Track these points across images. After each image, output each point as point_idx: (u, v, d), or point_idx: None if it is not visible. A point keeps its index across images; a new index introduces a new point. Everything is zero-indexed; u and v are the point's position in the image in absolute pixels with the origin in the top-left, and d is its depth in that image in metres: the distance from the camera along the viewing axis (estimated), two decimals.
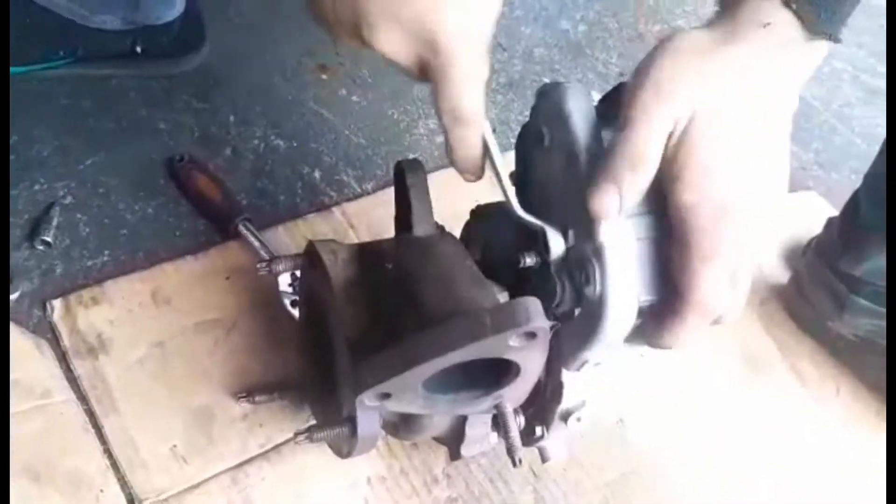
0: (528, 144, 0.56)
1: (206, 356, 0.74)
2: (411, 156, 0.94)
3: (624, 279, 0.48)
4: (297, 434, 0.58)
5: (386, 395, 0.51)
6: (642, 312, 0.49)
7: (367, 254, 0.60)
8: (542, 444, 0.61)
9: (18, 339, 0.70)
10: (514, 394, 0.53)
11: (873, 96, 1.16)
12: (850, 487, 0.78)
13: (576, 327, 0.52)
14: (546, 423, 0.58)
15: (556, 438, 0.60)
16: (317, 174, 0.89)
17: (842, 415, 0.83)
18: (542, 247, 0.52)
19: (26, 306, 0.73)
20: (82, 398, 0.69)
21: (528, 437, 0.59)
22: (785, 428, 0.81)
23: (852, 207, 0.80)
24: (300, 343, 0.71)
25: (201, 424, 0.70)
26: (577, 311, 0.51)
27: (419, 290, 0.52)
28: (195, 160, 0.84)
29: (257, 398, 0.70)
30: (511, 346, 0.46)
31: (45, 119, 0.84)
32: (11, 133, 0.82)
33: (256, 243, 0.79)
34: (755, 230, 0.47)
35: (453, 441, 0.62)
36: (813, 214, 0.94)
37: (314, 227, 0.84)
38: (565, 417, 0.57)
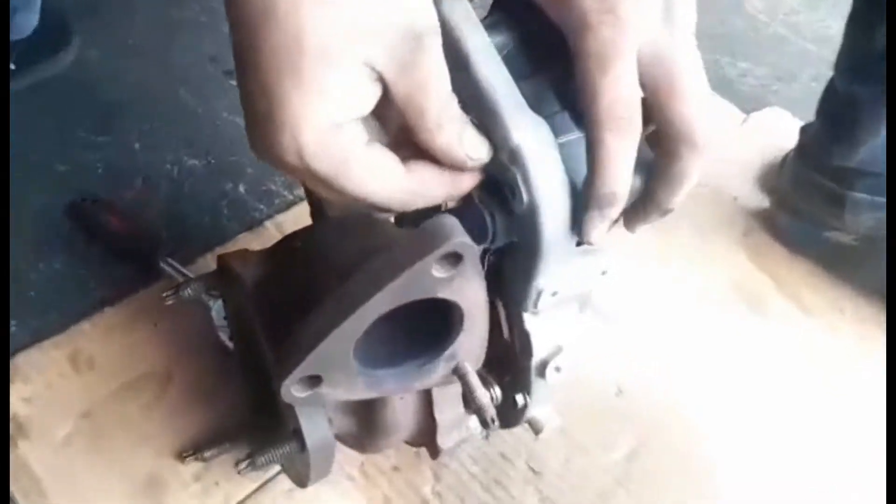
0: None
1: (142, 418, 0.75)
2: None
3: (550, 178, 0.48)
4: (237, 464, 0.59)
5: (315, 379, 0.51)
6: None
7: (279, 248, 0.61)
8: (528, 415, 0.60)
9: None
10: (468, 348, 0.53)
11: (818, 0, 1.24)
12: (875, 413, 0.78)
13: (518, 256, 0.52)
14: (526, 387, 0.58)
15: (541, 401, 0.59)
16: (241, 188, 0.91)
17: (853, 335, 0.89)
18: None
19: None
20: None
21: (512, 411, 0.59)
22: (798, 366, 0.85)
23: (830, 98, 0.87)
24: (244, 376, 0.72)
25: (151, 497, 0.70)
26: (514, 239, 0.52)
27: (330, 257, 0.53)
28: (100, 199, 0.86)
29: (206, 454, 0.71)
30: (437, 277, 0.46)
31: None
32: None
33: (181, 279, 0.81)
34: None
35: (428, 437, 0.62)
36: (781, 130, 1.03)
37: (247, 246, 0.84)
38: (542, 371, 0.57)
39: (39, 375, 0.77)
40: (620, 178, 0.47)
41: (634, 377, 0.80)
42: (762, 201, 0.98)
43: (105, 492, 0.71)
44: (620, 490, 0.74)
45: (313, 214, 0.68)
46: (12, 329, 0.80)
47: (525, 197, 0.49)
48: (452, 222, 0.45)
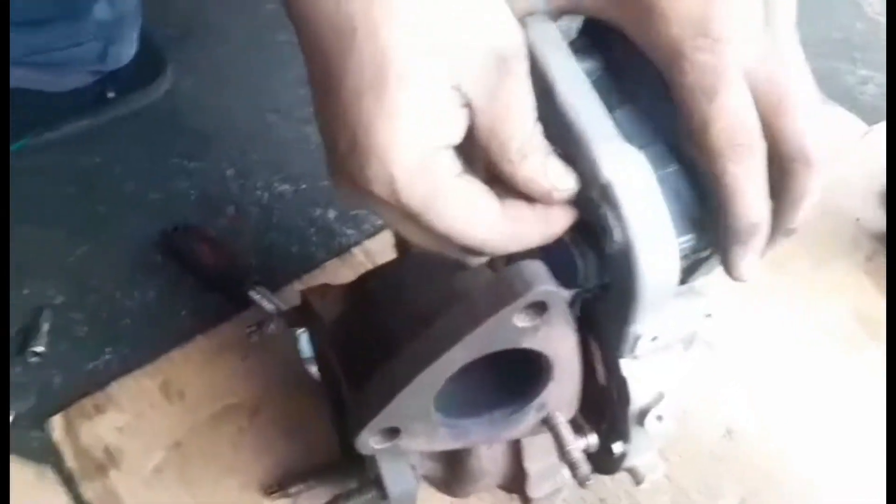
0: None
1: (230, 450, 0.73)
2: None
3: (647, 215, 0.44)
4: None
5: (394, 431, 0.48)
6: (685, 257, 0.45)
7: (359, 285, 0.59)
8: (628, 463, 0.56)
9: (17, 469, 0.72)
10: (559, 397, 0.49)
11: None
12: None
13: (613, 299, 0.48)
14: (624, 436, 0.53)
15: (641, 450, 0.55)
16: (331, 214, 0.90)
17: None
18: None
19: (25, 429, 0.75)
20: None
21: (609, 459, 0.55)
22: None
23: None
24: (331, 412, 0.69)
25: None
26: (608, 280, 0.47)
27: (408, 300, 0.50)
28: (191, 227, 0.86)
29: (292, 490, 0.69)
30: (520, 327, 0.42)
31: (26, 215, 0.88)
32: None
33: (271, 307, 0.79)
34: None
35: (518, 485, 0.58)
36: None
37: (334, 274, 0.83)
38: (642, 420, 0.52)
39: (132, 404, 0.77)
40: (756, 206, 0.44)
41: (746, 418, 0.74)
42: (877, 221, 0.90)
43: None
44: None
45: (398, 246, 0.65)
46: (107, 357, 0.80)
47: (618, 236, 0.44)
48: (536, 268, 0.41)
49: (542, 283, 0.41)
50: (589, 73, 0.47)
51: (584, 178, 0.45)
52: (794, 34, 0.45)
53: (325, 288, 0.62)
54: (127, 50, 0.93)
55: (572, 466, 0.48)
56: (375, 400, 0.46)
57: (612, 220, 0.44)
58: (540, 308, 0.42)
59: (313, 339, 0.67)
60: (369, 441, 0.48)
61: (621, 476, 0.59)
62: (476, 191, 0.42)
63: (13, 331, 0.81)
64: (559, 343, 0.45)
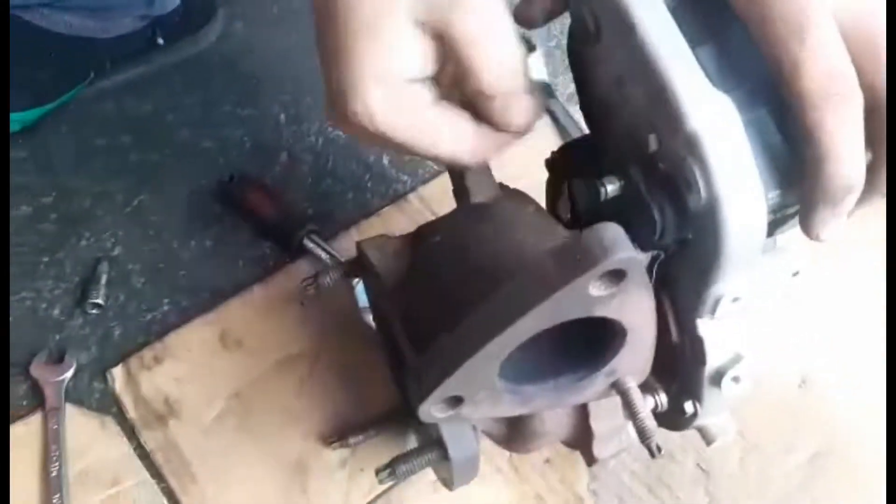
0: (578, 49, 0.50)
1: (290, 400, 0.72)
2: None
3: (735, 169, 0.40)
4: (377, 472, 0.55)
5: (457, 400, 0.46)
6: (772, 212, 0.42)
7: (419, 238, 0.56)
8: (699, 423, 0.54)
9: (80, 420, 0.72)
10: (631, 363, 0.46)
11: None
12: None
13: (693, 257, 0.44)
14: (696, 396, 0.51)
15: (714, 411, 0.53)
16: (385, 160, 0.87)
17: None
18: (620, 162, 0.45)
19: (87, 380, 0.75)
20: (158, 475, 0.70)
21: (679, 418, 0.53)
22: None
23: None
24: (390, 363, 0.68)
25: (295, 481, 0.69)
26: (689, 236, 0.44)
27: (470, 257, 0.47)
28: (247, 176, 0.84)
29: (351, 440, 0.68)
30: (595, 296, 0.40)
31: (82, 167, 0.87)
32: (50, 191, 0.85)
33: (325, 256, 0.78)
34: None
35: (583, 443, 0.56)
36: None
37: (390, 221, 0.82)
38: (718, 381, 0.50)
39: (190, 355, 0.76)
40: (853, 166, 0.40)
41: (822, 367, 0.70)
42: None
43: (253, 476, 0.69)
44: (804, 497, 0.65)
45: (456, 193, 0.62)
46: (165, 308, 0.79)
47: (704, 192, 0.41)
48: (615, 233, 0.38)
49: (622, 249, 0.38)
50: (667, 4, 0.43)
51: (666, 124, 0.41)
52: None
53: (382, 240, 0.59)
54: None
55: (643, 435, 0.46)
56: (438, 370, 0.44)
57: (699, 173, 0.40)
58: (618, 276, 0.39)
59: (368, 290, 0.66)
60: (431, 410, 0.46)
61: (690, 431, 0.57)
62: (450, 117, 0.47)
63: (73, 283, 0.80)
64: (635, 310, 0.42)
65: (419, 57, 0.46)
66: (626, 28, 0.42)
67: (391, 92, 0.45)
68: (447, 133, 0.47)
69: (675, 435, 0.67)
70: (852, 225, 0.75)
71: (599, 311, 0.41)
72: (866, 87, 0.40)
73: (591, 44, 0.47)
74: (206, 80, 0.94)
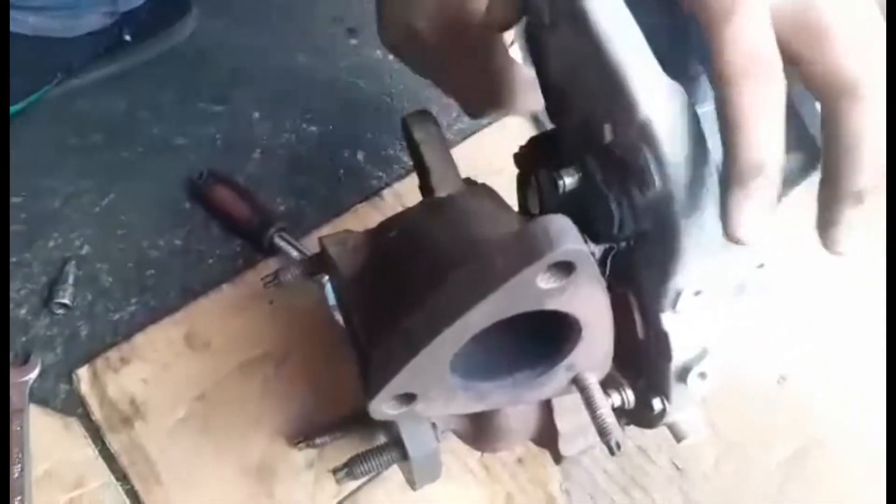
0: (534, 38, 0.49)
1: (256, 401, 0.71)
2: None
3: (689, 157, 0.38)
4: (334, 472, 0.53)
5: (409, 397, 0.44)
6: None
7: (378, 233, 0.55)
8: (668, 420, 0.52)
9: (44, 421, 0.70)
10: (589, 358, 0.45)
11: None
12: None
13: (652, 249, 0.43)
14: (664, 392, 0.50)
15: (682, 407, 0.51)
16: (360, 156, 0.85)
17: None
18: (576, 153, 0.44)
19: (52, 381, 0.73)
20: (123, 477, 0.68)
21: (648, 415, 0.51)
22: None
23: None
24: (357, 362, 0.66)
25: (261, 483, 0.67)
26: (647, 228, 0.42)
27: (423, 249, 0.46)
28: (216, 174, 0.82)
29: (318, 440, 0.67)
30: (544, 288, 0.38)
31: (53, 167, 0.86)
32: (20, 191, 0.84)
33: (295, 254, 0.76)
34: None
35: (550, 440, 0.54)
36: None
37: (364, 218, 0.80)
38: (684, 377, 0.48)
39: (157, 356, 0.74)
40: (762, 141, 0.36)
41: (801, 362, 0.68)
42: None
43: (218, 477, 0.68)
44: (784, 497, 0.63)
45: (422, 189, 0.61)
46: (132, 308, 0.78)
47: (658, 181, 0.39)
48: (562, 224, 0.36)
49: (569, 240, 0.36)
50: None
51: (620, 113, 0.40)
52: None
53: (345, 235, 0.58)
54: None
55: (603, 433, 0.44)
56: (386, 366, 0.42)
57: (652, 163, 0.39)
58: (566, 268, 0.37)
59: (333, 286, 0.64)
60: (383, 407, 0.44)
61: (665, 430, 0.55)
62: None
63: (40, 284, 0.79)
64: (588, 303, 0.41)
65: None
66: (579, 15, 0.41)
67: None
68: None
69: (650, 433, 0.66)
70: None
71: (550, 305, 0.39)
72: (803, 68, 0.38)
73: (546, 32, 0.45)
74: (179, 76, 0.93)
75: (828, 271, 0.76)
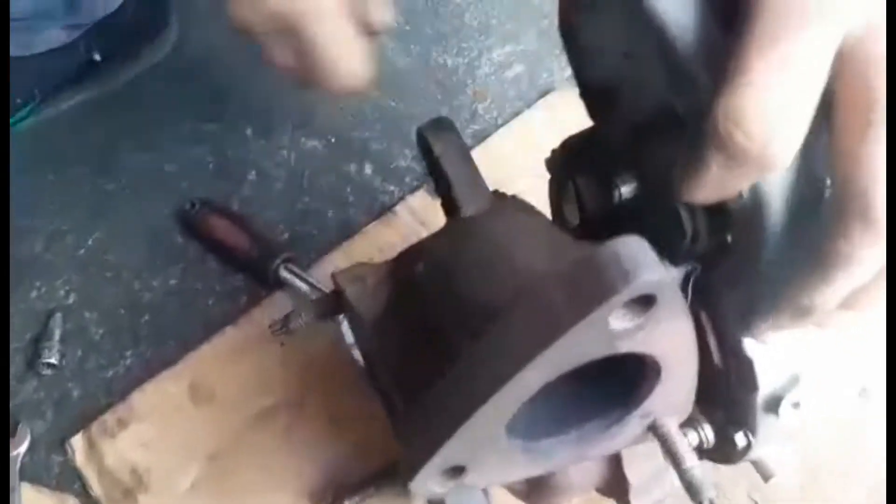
0: (571, 25, 0.43)
1: (275, 456, 0.65)
2: (480, 106, 0.85)
3: None
4: None
5: (458, 470, 0.36)
6: None
7: (401, 264, 0.48)
8: (754, 456, 0.45)
9: (38, 501, 0.64)
10: (668, 402, 0.38)
11: None
12: None
13: (733, 266, 0.37)
14: (748, 426, 0.43)
15: (771, 441, 0.44)
16: (368, 169, 0.79)
17: None
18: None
19: (43, 453, 0.67)
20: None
21: (729, 451, 0.45)
22: None
23: None
24: (384, 406, 0.59)
25: None
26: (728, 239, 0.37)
27: (458, 285, 0.38)
28: (210, 202, 0.76)
29: (347, 502, 0.60)
30: (619, 329, 0.30)
31: (31, 206, 0.79)
32: None
33: (305, 287, 0.70)
34: None
35: (618, 492, 0.46)
36: None
37: (377, 239, 0.74)
38: (774, 408, 0.42)
39: (157, 415, 0.68)
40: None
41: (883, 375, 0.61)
42: None
43: None
44: None
45: (444, 207, 0.53)
46: (127, 362, 0.71)
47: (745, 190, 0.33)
48: (637, 249, 0.29)
49: (648, 270, 0.28)
50: None
51: (699, 110, 0.32)
52: None
53: (362, 269, 0.51)
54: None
55: (691, 491, 0.37)
56: (428, 437, 0.35)
57: None
58: (646, 302, 0.29)
59: (351, 327, 0.57)
60: (427, 485, 0.36)
61: None
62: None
63: (23, 341, 0.72)
64: (669, 340, 0.33)
65: None
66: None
67: None
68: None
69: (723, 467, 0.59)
70: None
71: (625, 347, 0.31)
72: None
73: (585, 17, 0.41)
74: (163, 95, 0.86)
75: None
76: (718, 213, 0.36)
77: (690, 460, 0.38)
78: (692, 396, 0.39)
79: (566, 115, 0.76)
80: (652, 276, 0.28)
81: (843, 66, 0.29)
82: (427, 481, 0.36)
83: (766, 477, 0.48)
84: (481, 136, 0.80)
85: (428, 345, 0.40)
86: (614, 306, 0.29)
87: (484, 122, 0.82)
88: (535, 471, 0.40)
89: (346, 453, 0.64)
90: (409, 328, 0.43)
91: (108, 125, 0.84)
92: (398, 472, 0.57)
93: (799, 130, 0.29)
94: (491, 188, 0.51)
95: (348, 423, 0.65)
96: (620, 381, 0.38)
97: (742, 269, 0.37)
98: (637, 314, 0.30)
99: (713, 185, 0.31)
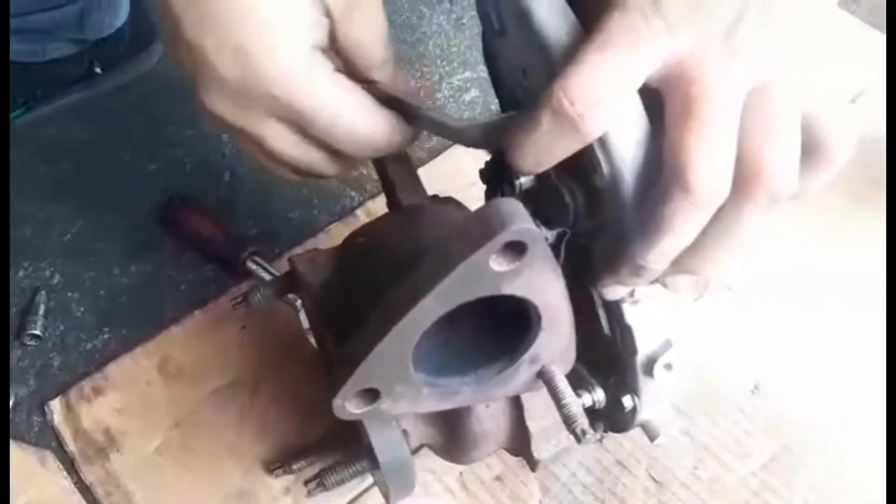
0: (488, 46, 0.52)
1: (231, 428, 0.73)
2: None
3: (635, 141, 0.41)
4: (306, 483, 0.55)
5: (373, 394, 0.46)
6: None
7: (345, 246, 0.58)
8: (640, 418, 0.53)
9: (19, 456, 0.72)
10: (552, 348, 0.47)
11: None
12: None
13: (606, 241, 0.46)
14: (633, 388, 0.52)
15: (652, 403, 0.53)
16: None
17: None
18: None
19: (25, 414, 0.75)
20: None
21: (621, 415, 0.53)
22: None
23: None
24: (326, 375, 0.68)
25: None
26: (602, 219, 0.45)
27: (390, 252, 0.49)
28: (187, 199, 0.85)
29: (294, 466, 0.68)
30: (498, 271, 0.40)
31: (21, 194, 0.88)
32: None
33: (268, 278, 0.79)
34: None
35: (522, 446, 0.56)
36: None
37: (337, 238, 0.79)
38: (650, 369, 0.50)
39: (130, 385, 0.76)
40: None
41: (776, 370, 0.71)
42: None
43: None
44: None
45: (389, 205, 0.64)
46: (105, 337, 0.80)
47: (605, 168, 0.42)
48: (512, 206, 0.39)
49: (518, 221, 0.39)
50: None
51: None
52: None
53: (314, 253, 0.61)
54: (110, 19, 0.92)
55: (568, 420, 0.46)
56: (349, 360, 0.45)
57: (599, 149, 0.42)
58: (518, 249, 0.40)
59: (303, 305, 0.66)
60: (346, 405, 0.46)
61: (640, 438, 0.57)
62: (350, 85, 0.51)
63: (12, 314, 0.81)
64: (544, 288, 0.43)
65: (318, 28, 0.49)
66: (523, 17, 0.44)
67: (303, 56, 0.48)
68: (351, 100, 0.51)
69: (626, 445, 0.69)
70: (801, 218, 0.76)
71: (506, 289, 0.42)
72: None
73: (498, 42, 0.49)
74: (149, 101, 0.96)
75: (801, 278, 0.79)
76: (593, 194, 0.45)
77: (569, 396, 0.47)
78: (572, 346, 0.48)
79: None
80: (523, 225, 0.38)
81: (669, 76, 0.41)
82: (346, 402, 0.46)
83: (652, 437, 0.56)
84: (439, 152, 0.90)
85: (362, 300, 0.50)
86: (493, 249, 0.39)
87: (440, 141, 0.91)
88: (439, 405, 0.49)
89: (296, 425, 0.71)
90: (349, 289, 0.53)
91: (97, 126, 0.94)
92: (340, 438, 0.67)
93: (610, 110, 0.40)
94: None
95: (300, 399, 0.73)
96: (511, 331, 0.47)
97: (612, 243, 0.45)
98: (513, 259, 0.40)
99: (542, 146, 0.42)
